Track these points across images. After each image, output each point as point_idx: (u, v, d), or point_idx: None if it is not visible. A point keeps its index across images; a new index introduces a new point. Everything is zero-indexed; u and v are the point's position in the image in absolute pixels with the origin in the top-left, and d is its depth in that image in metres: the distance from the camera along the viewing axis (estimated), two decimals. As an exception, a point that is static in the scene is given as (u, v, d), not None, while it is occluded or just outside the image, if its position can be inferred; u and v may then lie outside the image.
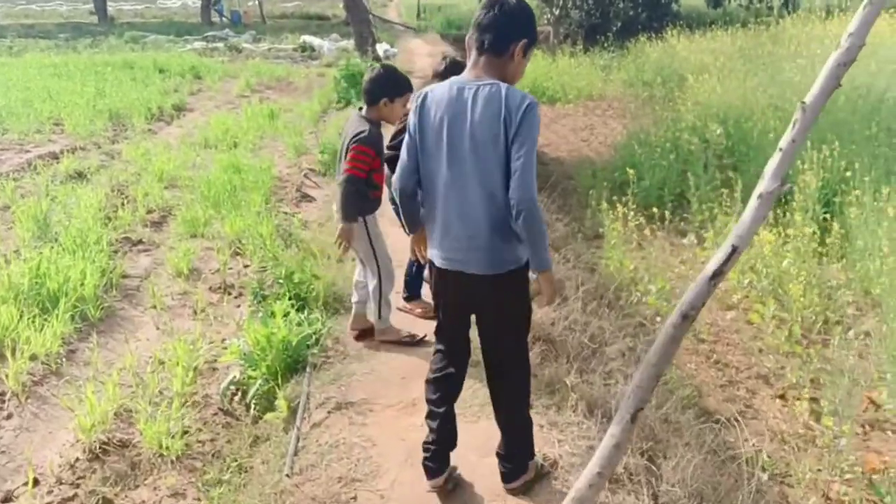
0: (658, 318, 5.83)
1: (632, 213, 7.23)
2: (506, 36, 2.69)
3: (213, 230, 6.33)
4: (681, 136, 9.90)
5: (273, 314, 3.94)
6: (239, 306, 4.94)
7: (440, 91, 2.77)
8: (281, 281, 4.57)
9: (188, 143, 9.69)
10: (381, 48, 18.30)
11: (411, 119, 2.84)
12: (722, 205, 7.39)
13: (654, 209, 8.49)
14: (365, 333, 4.37)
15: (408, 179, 2.89)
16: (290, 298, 4.36)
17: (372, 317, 4.34)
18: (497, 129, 2.62)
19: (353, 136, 3.87)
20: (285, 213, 6.78)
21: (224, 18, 32.89)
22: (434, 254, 2.90)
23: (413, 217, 3.03)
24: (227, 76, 16.34)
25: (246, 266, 5.63)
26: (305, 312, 4.36)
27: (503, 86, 2.66)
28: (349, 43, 20.57)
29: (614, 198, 8.63)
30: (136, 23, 32.46)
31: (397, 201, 3.04)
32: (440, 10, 32.63)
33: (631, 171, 8.35)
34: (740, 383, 4.95)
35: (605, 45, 21.40)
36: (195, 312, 4.86)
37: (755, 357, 5.17)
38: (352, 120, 4.07)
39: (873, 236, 6.11)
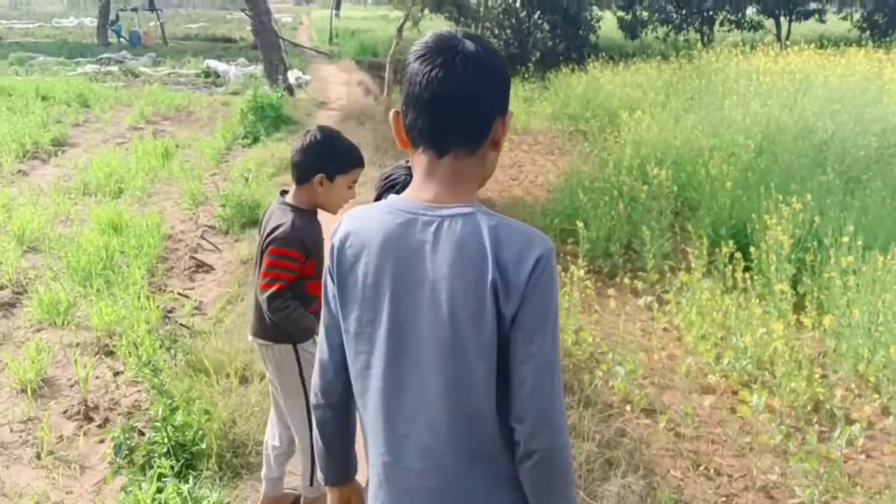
0: (628, 408, 5.08)
1: (582, 271, 6.39)
2: (479, 116, 1.53)
3: (80, 317, 4.99)
4: (623, 179, 9.16)
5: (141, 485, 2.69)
6: (102, 441, 3.62)
7: (370, 224, 1.59)
8: (158, 423, 3.28)
9: (63, 190, 8.22)
10: (292, 75, 17.08)
11: (326, 279, 1.68)
12: (678, 261, 6.90)
13: (600, 262, 7.83)
14: None
15: (331, 383, 1.73)
16: (168, 455, 3.13)
17: (297, 484, 3.12)
18: (480, 303, 1.47)
19: (268, 235, 2.73)
20: (174, 293, 5.46)
21: (122, 39, 30.93)
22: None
23: (336, 451, 1.83)
24: (120, 104, 14.79)
25: (117, 374, 4.31)
26: (191, 480, 3.10)
27: (483, 218, 1.49)
28: (257, 69, 19.27)
29: (563, 254, 7.88)
30: (27, 43, 30.14)
31: (313, 421, 1.82)
32: (353, 34, 31.66)
33: (580, 225, 7.50)
34: (737, 497, 4.18)
35: (526, 75, 20.96)
36: (38, 456, 3.55)
37: (749, 459, 4.42)
38: (270, 210, 2.89)
39: (867, 306, 5.42)
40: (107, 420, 3.87)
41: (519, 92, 18.75)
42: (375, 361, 1.58)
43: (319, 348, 1.73)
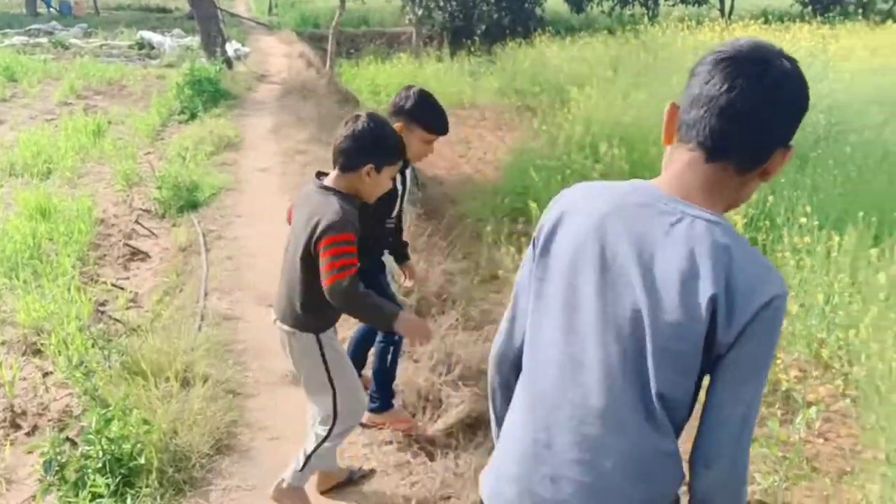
0: None
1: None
2: (764, 143, 1.41)
3: (5, 312, 4.62)
4: (574, 157, 9.04)
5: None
6: (30, 453, 3.31)
7: (603, 196, 1.48)
8: (91, 435, 2.98)
9: (-14, 170, 7.72)
10: (230, 47, 16.49)
11: (541, 236, 1.55)
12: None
13: None
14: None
15: (507, 347, 1.66)
16: (104, 472, 2.85)
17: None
18: (691, 314, 1.35)
19: (325, 226, 2.52)
20: (107, 284, 5.09)
21: (52, 9, 29.62)
22: (492, 480, 1.60)
23: (499, 417, 1.74)
24: (49, 78, 14.03)
25: (46, 375, 3.97)
26: (129, 500, 2.83)
27: (728, 231, 1.38)
28: (194, 40, 18.56)
29: (514, 234, 7.71)
30: (-51, 13, 28.64)
31: (489, 383, 1.76)
32: (293, 5, 30.86)
33: (533, 205, 7.34)
34: None
35: (472, 49, 20.71)
36: (-42, 470, 3.23)
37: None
38: (305, 194, 2.73)
39: (822, 286, 5.38)
40: (35, 427, 3.54)
41: (465, 66, 18.50)
42: (566, 335, 1.48)
43: (507, 312, 1.66)
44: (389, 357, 3.42)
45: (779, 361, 5.00)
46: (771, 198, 6.64)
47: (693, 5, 27.53)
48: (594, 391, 1.43)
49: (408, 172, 3.40)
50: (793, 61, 1.41)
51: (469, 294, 5.86)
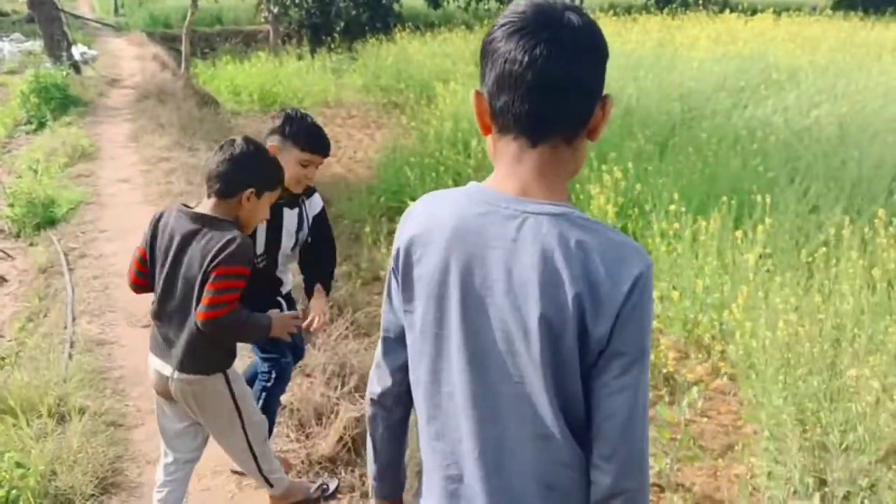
0: None
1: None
2: (585, 101, 1.35)
3: None
4: (446, 154, 9.09)
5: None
6: None
7: (444, 211, 1.40)
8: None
9: None
10: (76, 51, 15.58)
11: (389, 271, 1.50)
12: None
13: None
14: None
15: (387, 384, 1.58)
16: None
17: None
18: (560, 316, 1.29)
19: (226, 255, 2.36)
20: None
21: None
22: None
23: (388, 460, 1.68)
24: None
25: None
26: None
27: (574, 221, 1.31)
28: (36, 44, 17.43)
29: (392, 234, 7.67)
30: None
31: (368, 423, 1.66)
32: (141, 4, 29.41)
33: (410, 203, 7.28)
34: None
35: (332, 46, 20.48)
36: None
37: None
38: (183, 228, 2.47)
39: (692, 270, 5.64)
40: None
41: (326, 63, 18.29)
42: (441, 364, 1.42)
43: (379, 346, 1.58)
44: (261, 402, 3.12)
45: (660, 345, 5.19)
46: (638, 186, 6.89)
47: (546, -1, 28.26)
48: (485, 418, 1.38)
49: (309, 201, 3.14)
50: (577, 10, 1.36)
51: (354, 299, 5.78)
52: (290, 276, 3.33)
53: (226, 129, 11.42)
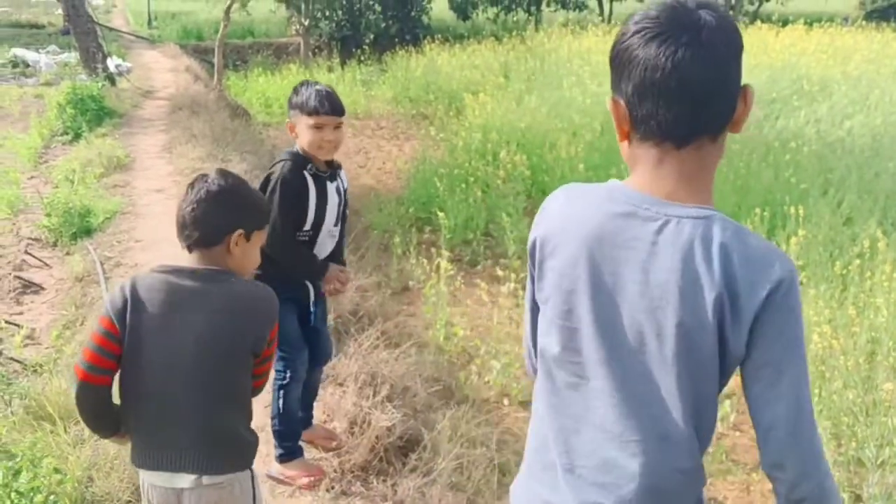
0: (506, 401, 5.08)
1: (445, 260, 6.26)
2: (729, 97, 1.35)
3: None
4: (475, 165, 9.13)
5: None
6: (-72, 515, 3.06)
7: (584, 207, 1.41)
8: (-2, 492, 2.77)
9: None
10: (111, 63, 15.82)
11: (534, 256, 1.49)
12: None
13: (460, 250, 7.76)
14: None
15: (529, 361, 1.65)
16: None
17: None
18: (698, 320, 1.29)
19: (269, 319, 2.05)
20: (0, 321, 4.75)
21: None
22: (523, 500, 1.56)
23: None
24: (-86, 100, 13.16)
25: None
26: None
27: (718, 224, 1.29)
28: (71, 56, 17.73)
29: (422, 244, 7.72)
30: None
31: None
32: (174, 17, 29.93)
33: (441, 214, 7.37)
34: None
35: (362, 58, 20.65)
36: None
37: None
38: (174, 292, 1.98)
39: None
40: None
41: (356, 75, 18.44)
42: (566, 356, 1.43)
43: (526, 319, 1.61)
44: (281, 402, 3.18)
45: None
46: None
47: (574, 10, 28.30)
48: (608, 415, 1.39)
49: (342, 175, 3.21)
50: (709, 6, 1.33)
51: (384, 309, 5.81)
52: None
53: (257, 139, 11.56)
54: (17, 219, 6.92)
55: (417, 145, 12.14)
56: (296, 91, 3.07)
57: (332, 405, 3.71)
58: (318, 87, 3.05)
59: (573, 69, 13.63)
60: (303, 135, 3.02)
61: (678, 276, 1.29)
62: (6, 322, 4.71)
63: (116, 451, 3.17)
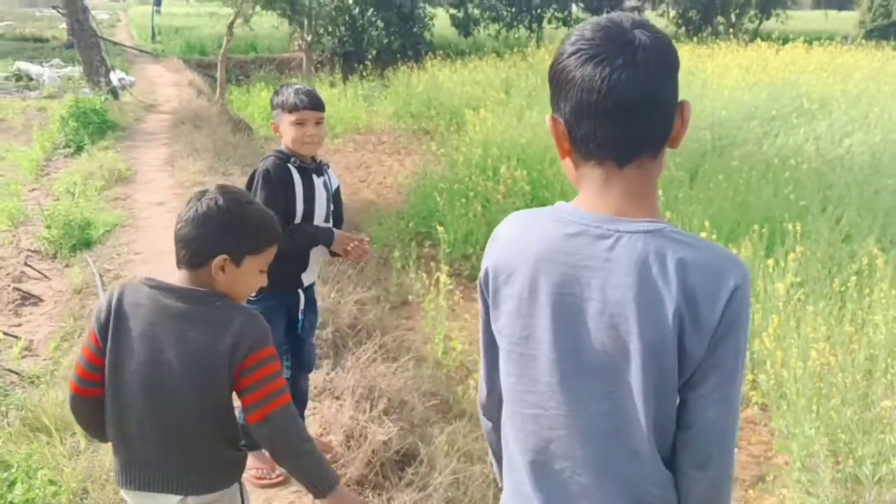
0: None
1: (444, 275, 6.25)
2: (667, 116, 1.35)
3: None
4: (475, 180, 9.15)
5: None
6: (-78, 525, 3.05)
7: (531, 231, 1.41)
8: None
9: None
10: (114, 77, 15.91)
11: (480, 288, 1.52)
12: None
13: (459, 265, 7.77)
14: None
15: (489, 400, 1.63)
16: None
17: None
18: (659, 335, 1.29)
19: (253, 339, 1.88)
20: (-1, 333, 4.76)
21: (-86, 39, 27.94)
22: None
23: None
24: (-82, 113, 13.21)
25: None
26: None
27: (669, 236, 1.31)
28: (75, 70, 17.81)
29: (421, 259, 7.73)
30: None
31: (484, 433, 1.74)
32: (178, 32, 30.04)
33: (441, 228, 7.39)
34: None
35: (364, 74, 20.74)
36: None
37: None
38: (160, 310, 1.91)
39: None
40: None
41: (358, 90, 18.50)
42: (523, 385, 1.43)
43: (481, 360, 1.61)
44: None
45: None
46: (669, 213, 6.87)
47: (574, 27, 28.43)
48: (576, 440, 1.39)
49: (329, 172, 3.29)
50: (644, 25, 1.34)
51: (383, 323, 5.81)
52: (317, 268, 3.36)
53: (259, 153, 11.57)
54: (17, 231, 6.93)
55: (418, 160, 12.17)
56: (277, 92, 3.19)
57: (328, 418, 3.71)
58: (297, 86, 3.19)
59: (574, 85, 13.65)
60: (286, 132, 3.11)
61: (635, 292, 1.29)
62: (4, 334, 4.70)
63: (111, 463, 3.17)
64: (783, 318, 4.98)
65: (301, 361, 3.42)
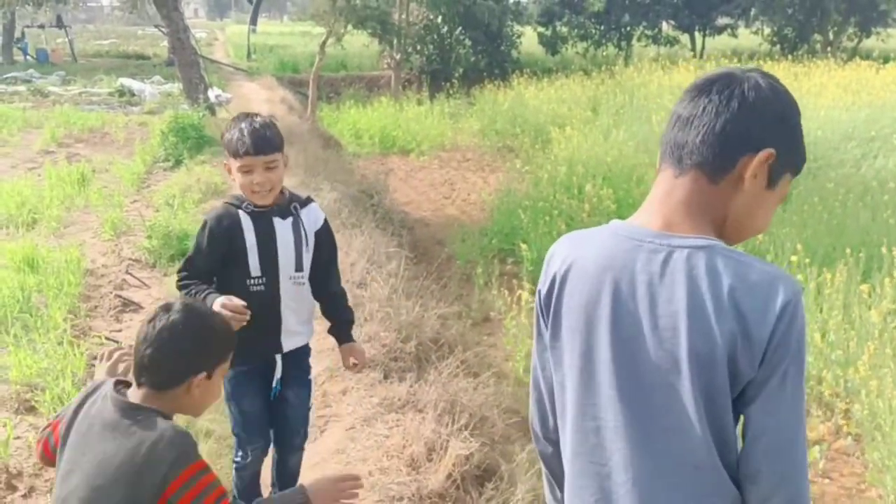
0: None
1: (526, 292, 6.25)
2: (723, 142, 1.36)
3: (-4, 368, 4.53)
4: (560, 198, 9.11)
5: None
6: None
7: (589, 247, 1.44)
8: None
9: (-30, 223, 7.62)
10: (212, 94, 16.52)
11: (537, 306, 1.54)
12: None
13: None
14: None
15: (547, 420, 1.62)
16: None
17: None
18: (712, 351, 1.30)
19: (176, 455, 1.70)
20: (101, 337, 4.98)
21: (29, 57, 29.58)
22: None
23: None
24: (29, 126, 13.95)
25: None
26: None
27: (721, 253, 1.32)
28: (174, 86, 18.62)
29: (504, 276, 7.75)
30: (-76, 62, 28.48)
31: (540, 459, 1.71)
32: (272, 50, 31.05)
33: (524, 246, 7.39)
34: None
35: (451, 92, 20.94)
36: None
37: None
38: (107, 424, 1.77)
39: (817, 324, 5.40)
40: (32, 489, 3.44)
41: (445, 108, 18.69)
42: (588, 399, 1.44)
43: (532, 383, 1.64)
44: (236, 480, 3.05)
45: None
46: (760, 237, 6.70)
47: (665, 45, 28.06)
48: (637, 451, 1.39)
49: (308, 211, 2.84)
50: (764, 75, 1.39)
51: (465, 339, 5.84)
52: (304, 328, 2.92)
53: (347, 170, 11.82)
54: (119, 240, 7.25)
55: (502, 177, 12.20)
56: (227, 126, 2.73)
57: (411, 430, 3.75)
58: (244, 122, 2.66)
59: (663, 104, 13.50)
60: (235, 177, 2.70)
61: (687, 306, 1.31)
62: (106, 338, 4.93)
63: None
64: (878, 347, 4.79)
65: (281, 438, 3.01)
